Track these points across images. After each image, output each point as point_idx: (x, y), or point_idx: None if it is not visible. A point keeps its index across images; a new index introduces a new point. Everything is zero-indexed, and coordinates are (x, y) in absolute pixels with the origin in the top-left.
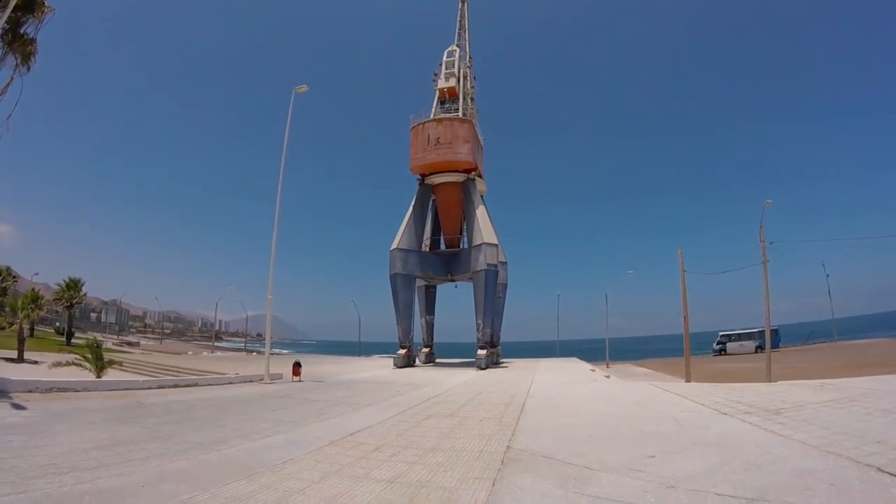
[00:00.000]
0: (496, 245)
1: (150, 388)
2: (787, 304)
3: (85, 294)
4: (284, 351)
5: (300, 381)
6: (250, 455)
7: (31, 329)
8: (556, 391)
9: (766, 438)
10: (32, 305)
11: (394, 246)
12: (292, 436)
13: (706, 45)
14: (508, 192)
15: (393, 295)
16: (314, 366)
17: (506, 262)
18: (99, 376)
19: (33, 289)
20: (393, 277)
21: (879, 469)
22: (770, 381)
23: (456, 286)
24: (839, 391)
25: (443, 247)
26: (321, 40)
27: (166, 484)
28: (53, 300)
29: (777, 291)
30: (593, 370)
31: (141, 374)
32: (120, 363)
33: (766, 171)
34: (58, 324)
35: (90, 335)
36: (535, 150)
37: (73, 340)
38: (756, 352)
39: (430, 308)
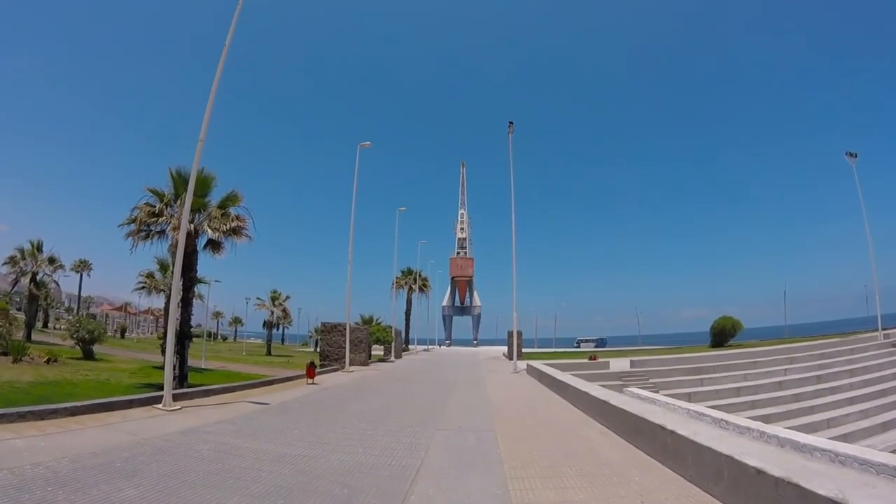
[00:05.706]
0: (479, 305)
1: None
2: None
3: None
4: None
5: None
6: None
7: None
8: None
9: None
10: None
11: (443, 304)
12: None
13: None
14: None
15: (443, 320)
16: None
17: (480, 306)
18: None
19: None
20: (443, 314)
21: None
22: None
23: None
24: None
25: (457, 303)
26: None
27: None
28: None
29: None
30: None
31: None
32: None
33: None
34: None
35: None
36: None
37: None
38: (594, 347)
39: (450, 327)
